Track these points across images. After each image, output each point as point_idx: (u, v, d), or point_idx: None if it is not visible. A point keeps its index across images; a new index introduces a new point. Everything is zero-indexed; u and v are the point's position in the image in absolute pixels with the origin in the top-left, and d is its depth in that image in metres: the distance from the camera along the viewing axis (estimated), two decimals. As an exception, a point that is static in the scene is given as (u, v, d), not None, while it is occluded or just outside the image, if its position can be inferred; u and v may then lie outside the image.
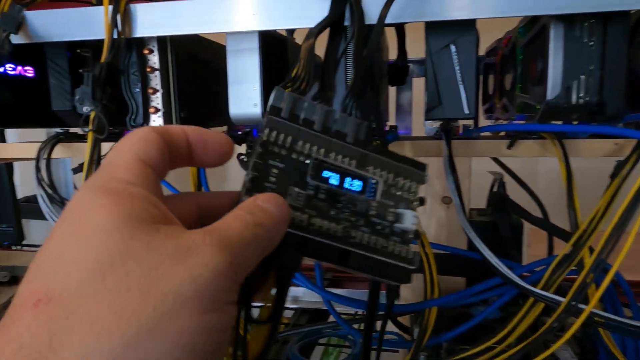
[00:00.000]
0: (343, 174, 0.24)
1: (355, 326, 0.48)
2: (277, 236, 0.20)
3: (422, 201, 0.26)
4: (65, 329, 0.14)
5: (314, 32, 0.30)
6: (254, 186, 0.23)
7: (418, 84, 0.68)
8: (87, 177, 0.35)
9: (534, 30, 0.39)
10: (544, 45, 0.36)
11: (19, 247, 1.04)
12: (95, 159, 0.36)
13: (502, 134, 0.55)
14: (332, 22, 0.31)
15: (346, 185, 0.24)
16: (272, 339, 0.25)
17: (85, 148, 0.42)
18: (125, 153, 0.18)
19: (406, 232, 0.25)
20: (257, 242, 0.18)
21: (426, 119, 0.39)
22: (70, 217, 0.17)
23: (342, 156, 0.25)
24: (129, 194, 0.17)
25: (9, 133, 1.21)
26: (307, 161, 0.24)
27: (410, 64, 0.58)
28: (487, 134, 0.56)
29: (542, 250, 0.65)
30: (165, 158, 0.19)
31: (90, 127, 0.35)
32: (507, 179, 0.64)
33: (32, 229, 1.48)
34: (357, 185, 0.25)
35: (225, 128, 0.60)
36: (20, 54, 0.51)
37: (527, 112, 0.43)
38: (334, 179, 0.24)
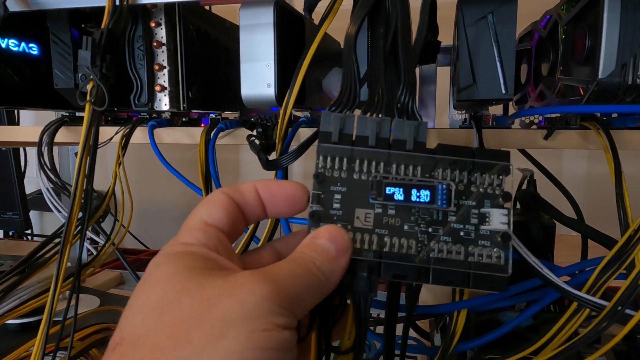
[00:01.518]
0: (406, 186, 0.23)
1: (371, 328, 0.44)
2: (335, 269, 0.21)
3: (507, 196, 0.23)
4: (132, 359, 0.17)
5: (353, 34, 0.27)
6: (318, 218, 0.23)
7: (441, 76, 0.64)
8: (82, 155, 0.32)
9: (581, 2, 0.35)
10: (595, 18, 0.32)
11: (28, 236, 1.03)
12: (93, 135, 0.33)
13: (534, 125, 0.50)
14: (368, 11, 0.28)
15: (413, 198, 0.23)
16: None
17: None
18: (192, 217, 0.22)
19: (495, 234, 0.23)
20: (308, 275, 0.20)
21: (457, 100, 0.35)
22: (143, 276, 0.20)
23: (404, 166, 0.23)
24: (186, 252, 0.20)
25: (25, 117, 1.20)
26: (370, 180, 0.23)
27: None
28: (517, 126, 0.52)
29: (568, 258, 0.60)
30: (233, 215, 0.22)
31: (88, 97, 0.32)
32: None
33: (47, 220, 1.48)
34: (424, 195, 0.23)
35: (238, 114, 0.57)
36: (24, 30, 0.49)
37: (570, 96, 0.38)
38: (398, 194, 0.23)
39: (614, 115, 0.43)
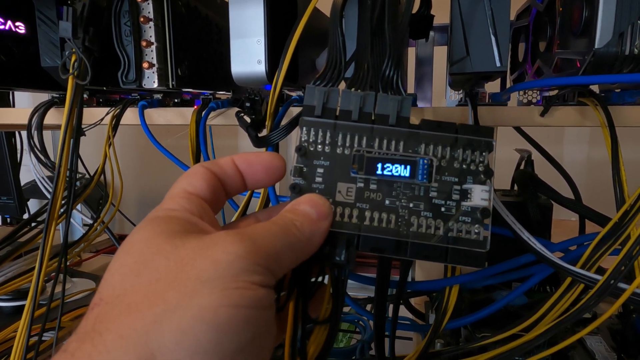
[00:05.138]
0: (387, 161, 0.23)
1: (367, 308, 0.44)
2: (314, 233, 0.21)
3: (488, 172, 0.23)
4: (109, 317, 0.17)
5: (339, 4, 0.26)
6: (299, 190, 0.23)
7: (440, 60, 0.63)
8: (66, 129, 0.32)
9: (579, -28, 0.34)
10: (592, -13, 0.31)
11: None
12: (77, 109, 0.32)
13: (534, 99, 0.49)
14: None
15: (394, 172, 0.23)
16: (332, 339, 0.25)
17: (84, 113, 0.37)
18: (175, 187, 0.22)
19: (476, 210, 0.23)
20: (287, 236, 0.20)
21: (450, 73, 0.34)
22: (124, 241, 0.20)
23: (387, 141, 0.23)
24: (167, 217, 0.20)
25: (22, 101, 1.19)
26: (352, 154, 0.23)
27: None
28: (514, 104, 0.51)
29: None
30: (214, 186, 0.22)
31: (71, 70, 0.31)
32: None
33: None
34: (404, 170, 0.23)
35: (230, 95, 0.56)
36: (10, 8, 0.48)
37: (567, 70, 0.37)
38: (379, 169, 0.23)
39: (617, 90, 0.42)
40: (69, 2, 0.41)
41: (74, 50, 0.31)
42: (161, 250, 0.18)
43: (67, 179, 0.34)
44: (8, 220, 1.04)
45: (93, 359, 0.16)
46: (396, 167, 0.23)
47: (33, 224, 0.48)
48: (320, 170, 0.23)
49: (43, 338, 0.35)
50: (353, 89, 0.24)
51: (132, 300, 0.17)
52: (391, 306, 0.35)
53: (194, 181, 0.22)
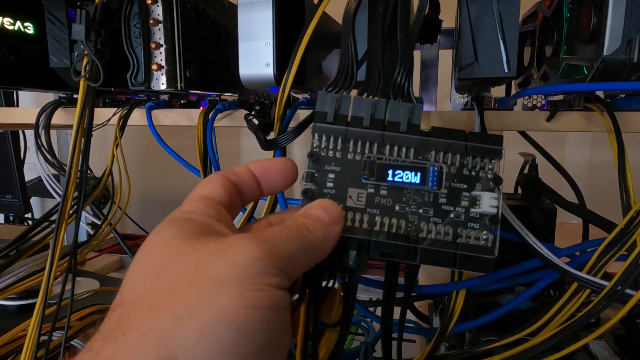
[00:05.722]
0: (398, 168, 0.23)
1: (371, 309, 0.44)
2: (327, 237, 0.22)
3: (497, 180, 0.23)
4: (131, 317, 0.18)
5: (351, 10, 0.27)
6: (311, 196, 0.23)
7: (444, 62, 0.63)
8: (77, 131, 0.32)
9: (587, -21, 0.34)
10: (600, -6, 0.31)
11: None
12: (88, 111, 0.32)
13: (539, 103, 0.50)
14: None
15: (404, 179, 0.23)
16: (342, 342, 0.25)
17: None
18: (193, 192, 0.23)
19: (484, 217, 0.23)
20: (300, 239, 0.21)
21: (458, 79, 0.35)
22: (144, 242, 0.21)
23: (397, 147, 0.24)
24: (184, 219, 0.21)
25: (25, 99, 1.19)
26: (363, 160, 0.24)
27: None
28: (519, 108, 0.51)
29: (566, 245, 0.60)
30: (231, 192, 0.23)
31: (83, 72, 0.31)
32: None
33: (49, 206, 1.48)
34: (415, 177, 0.23)
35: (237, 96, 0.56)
36: (19, 8, 0.48)
37: (574, 76, 0.38)
38: (390, 175, 0.23)
39: (622, 95, 0.43)
40: (79, 3, 0.41)
41: (85, 52, 0.31)
42: (180, 252, 0.19)
43: (77, 180, 0.34)
44: (11, 218, 1.04)
45: (117, 357, 0.17)
46: (407, 174, 0.23)
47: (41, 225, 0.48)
48: (331, 175, 0.24)
49: (52, 337, 0.35)
50: (364, 96, 0.24)
51: (152, 300, 0.18)
52: (396, 309, 0.35)
53: (211, 187, 0.23)
